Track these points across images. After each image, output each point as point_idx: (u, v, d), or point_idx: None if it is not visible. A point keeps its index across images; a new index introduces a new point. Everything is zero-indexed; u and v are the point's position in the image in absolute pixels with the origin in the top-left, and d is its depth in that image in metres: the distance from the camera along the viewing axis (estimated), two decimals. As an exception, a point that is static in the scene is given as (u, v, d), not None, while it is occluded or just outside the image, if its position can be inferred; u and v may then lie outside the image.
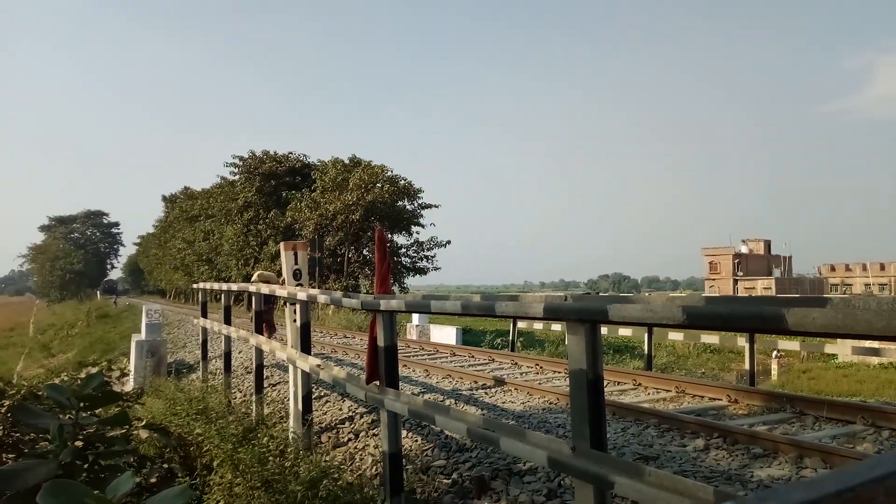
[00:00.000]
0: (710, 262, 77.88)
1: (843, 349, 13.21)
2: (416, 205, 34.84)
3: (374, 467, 5.83)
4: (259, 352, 8.52)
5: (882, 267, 71.98)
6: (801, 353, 20.15)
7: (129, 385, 12.60)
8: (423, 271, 35.43)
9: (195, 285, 14.98)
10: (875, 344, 11.90)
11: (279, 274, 8.76)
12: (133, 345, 13.73)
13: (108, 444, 2.91)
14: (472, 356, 12.49)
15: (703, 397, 7.68)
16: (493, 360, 11.87)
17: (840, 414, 6.37)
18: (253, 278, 12.95)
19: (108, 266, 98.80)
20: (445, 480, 5.16)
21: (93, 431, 2.82)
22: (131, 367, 13.45)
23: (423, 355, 12.92)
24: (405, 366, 10.65)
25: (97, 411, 2.94)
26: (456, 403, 7.56)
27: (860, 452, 5.03)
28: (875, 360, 18.75)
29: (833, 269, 76.14)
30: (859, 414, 6.22)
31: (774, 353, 19.24)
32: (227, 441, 5.99)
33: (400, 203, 34.21)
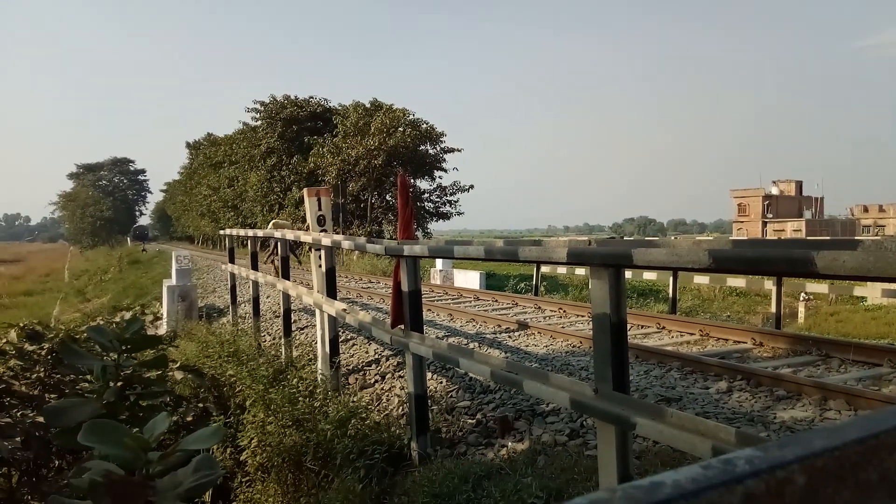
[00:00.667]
0: (739, 205, 76.37)
1: (872, 292, 13.05)
2: (438, 149, 34.48)
3: (401, 408, 5.99)
4: (286, 297, 8.68)
5: (917, 208, 69.98)
6: (830, 295, 19.89)
7: (162, 329, 13.00)
8: (446, 216, 35.37)
9: (222, 231, 15.20)
10: (906, 287, 11.71)
11: (303, 220, 8.85)
12: (164, 290, 14.10)
13: (146, 385, 3.03)
14: (496, 300, 12.59)
15: (727, 340, 7.68)
16: (516, 304, 11.95)
17: (867, 356, 6.34)
18: (269, 226, 13.08)
19: (137, 213, 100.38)
20: (470, 420, 5.30)
21: (131, 373, 2.93)
22: (164, 311, 13.84)
23: (447, 300, 13.06)
24: (429, 310, 10.78)
25: (135, 354, 3.05)
26: (480, 347, 7.68)
27: (886, 395, 5.03)
28: (905, 302, 18.45)
29: (866, 210, 74.24)
30: (886, 356, 6.18)
31: (802, 295, 19.04)
32: (258, 382, 6.20)
33: (422, 147, 33.87)
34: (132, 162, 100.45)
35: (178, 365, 4.73)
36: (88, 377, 3.01)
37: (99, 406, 2.51)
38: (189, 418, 4.68)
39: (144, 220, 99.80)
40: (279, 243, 9.41)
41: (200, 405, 6.25)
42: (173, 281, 14.13)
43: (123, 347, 2.84)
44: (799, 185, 79.19)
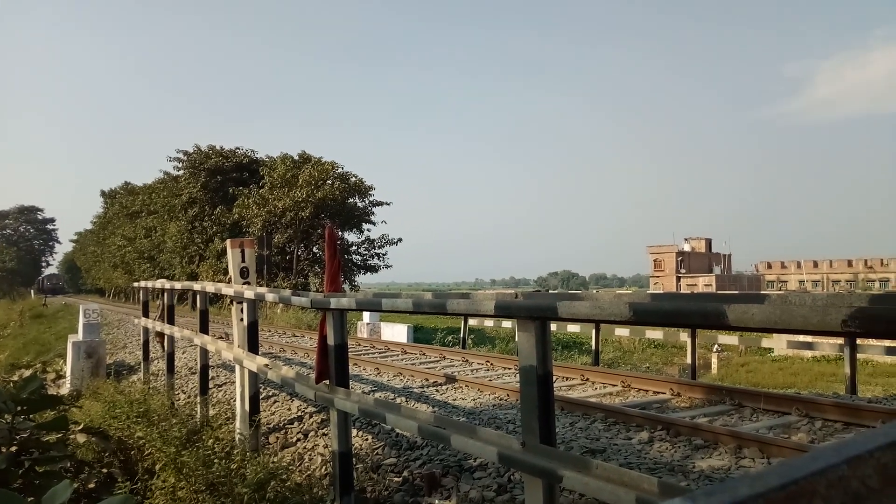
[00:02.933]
0: (655, 260, 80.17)
1: (778, 343, 13.81)
2: (367, 202, 34.61)
3: (324, 467, 5.77)
4: (204, 352, 8.30)
5: (815, 264, 75.57)
6: (740, 347, 20.93)
7: (66, 388, 12.10)
8: (374, 269, 35.22)
9: (136, 284, 14.48)
10: (809, 338, 12.48)
11: (225, 272, 8.58)
12: (70, 346, 13.17)
13: (44, 449, 2.78)
14: (424, 354, 12.49)
15: (647, 391, 7.89)
16: (444, 357, 11.90)
17: (776, 405, 6.64)
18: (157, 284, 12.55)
19: (43, 263, 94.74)
20: (396, 478, 5.15)
21: (28, 436, 2.69)
22: (67, 369, 12.91)
23: (374, 353, 12.85)
24: (355, 364, 10.56)
25: (32, 416, 2.80)
26: (407, 401, 7.55)
27: (795, 442, 5.27)
28: (808, 353, 19.64)
29: (769, 266, 79.45)
30: (794, 405, 6.50)
31: (715, 347, 19.93)
32: (169, 444, 5.82)
33: (351, 200, 33.89)
34: (41, 210, 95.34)
35: (80, 427, 4.39)
36: (-23, 442, 2.74)
37: (-13, 474, 2.28)
38: (91, 485, 4.33)
39: (51, 272, 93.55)
40: (198, 296, 9.05)
41: (105, 470, 5.80)
42: (80, 336, 13.24)
43: (18, 409, 2.61)
44: (708, 242, 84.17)
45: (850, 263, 73.59)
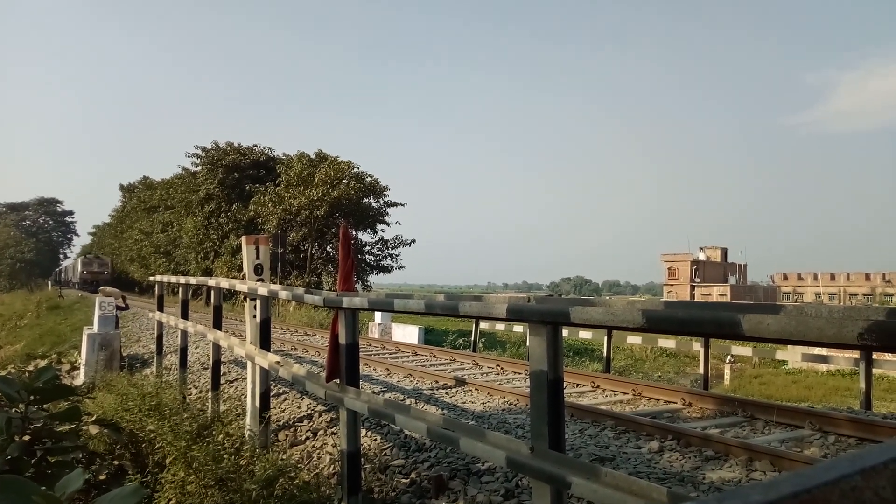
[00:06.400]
0: (669, 268, 79.61)
1: (793, 356, 13.66)
2: (381, 202, 34.68)
3: (332, 466, 5.78)
4: (217, 347, 8.36)
5: (832, 277, 74.67)
6: (753, 358, 20.74)
7: (80, 379, 12.23)
8: (386, 269, 35.29)
9: (151, 278, 14.62)
10: (824, 351, 12.33)
11: (240, 268, 8.62)
12: (84, 338, 13.32)
13: (56, 439, 2.81)
14: (434, 356, 12.49)
15: (658, 400, 7.83)
16: (454, 359, 11.88)
17: (789, 418, 6.57)
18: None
19: (62, 255, 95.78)
20: (404, 480, 5.15)
21: (41, 426, 2.72)
22: (82, 360, 13.06)
23: (385, 354, 12.87)
24: (366, 364, 10.58)
25: (46, 406, 2.84)
26: (416, 403, 7.55)
27: (807, 456, 5.20)
28: (823, 367, 19.42)
29: (786, 277, 78.62)
30: (807, 419, 6.42)
31: (728, 358, 19.77)
32: (180, 438, 5.86)
33: (365, 200, 33.98)
34: (60, 202, 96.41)
35: (93, 419, 4.44)
36: (-8, 430, 2.77)
37: (1, 462, 2.31)
38: (102, 476, 4.37)
39: (79, 256, 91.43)
40: (213, 291, 9.12)
41: (116, 462, 5.86)
42: (95, 328, 13.39)
43: (31, 398, 2.64)
44: (724, 251, 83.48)
45: (867, 277, 72.62)
